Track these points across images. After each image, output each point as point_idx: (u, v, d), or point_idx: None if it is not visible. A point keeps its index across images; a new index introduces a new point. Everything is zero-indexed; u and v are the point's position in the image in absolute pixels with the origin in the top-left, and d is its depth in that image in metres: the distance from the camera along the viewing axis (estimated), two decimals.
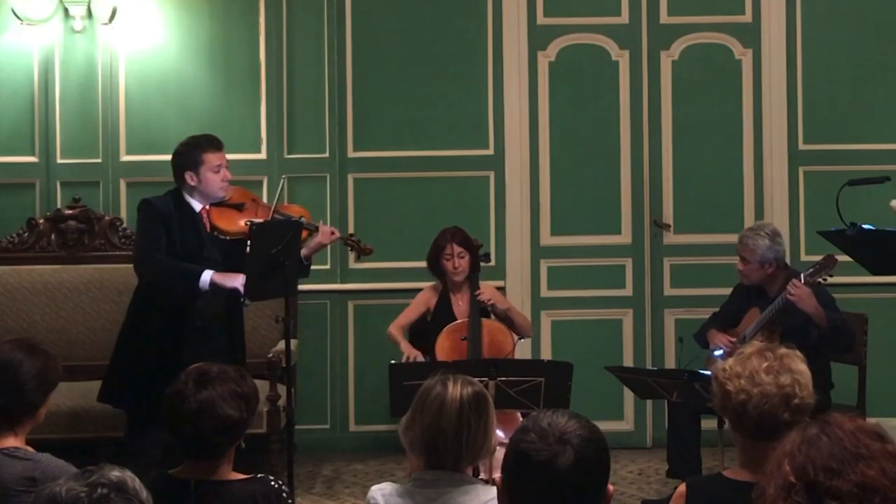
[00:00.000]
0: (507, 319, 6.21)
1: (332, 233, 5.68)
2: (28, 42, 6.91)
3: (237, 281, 5.35)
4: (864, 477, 2.12)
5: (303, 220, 5.61)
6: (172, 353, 5.33)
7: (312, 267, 6.57)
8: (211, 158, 5.53)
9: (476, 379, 3.43)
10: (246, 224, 5.48)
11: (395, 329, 6.22)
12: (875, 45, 7.20)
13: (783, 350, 3.11)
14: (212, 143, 5.60)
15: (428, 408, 3.25)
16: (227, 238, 5.51)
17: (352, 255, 6.61)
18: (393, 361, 5.96)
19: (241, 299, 5.47)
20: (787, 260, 6.25)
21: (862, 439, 2.17)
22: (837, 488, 2.12)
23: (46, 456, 3.51)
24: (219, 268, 5.45)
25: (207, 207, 5.57)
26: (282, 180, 5.99)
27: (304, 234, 5.65)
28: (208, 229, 5.54)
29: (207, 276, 5.37)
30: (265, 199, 6.93)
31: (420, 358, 5.98)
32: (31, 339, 4.12)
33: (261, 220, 5.49)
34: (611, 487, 2.36)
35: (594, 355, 6.71)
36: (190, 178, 5.52)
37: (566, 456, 2.28)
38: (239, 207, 5.58)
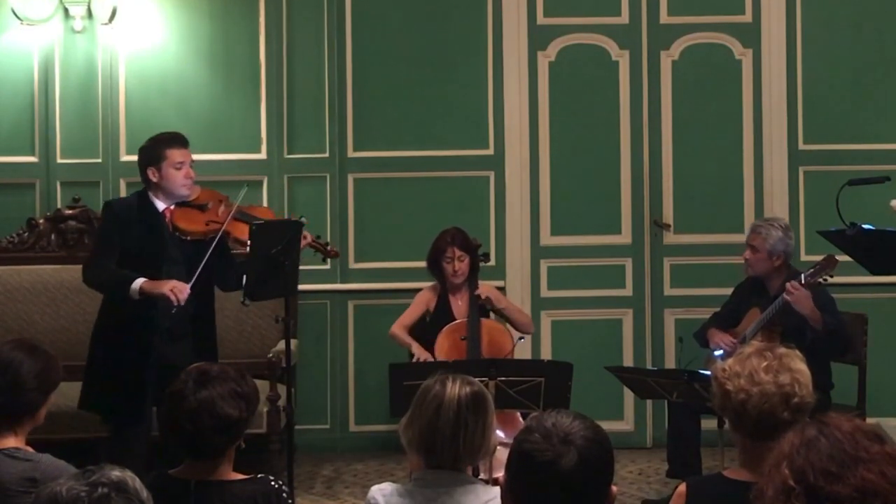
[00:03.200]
0: (505, 317, 6.22)
1: (305, 237, 5.53)
2: (28, 42, 6.91)
3: (166, 287, 5.20)
4: (863, 481, 2.11)
5: (303, 219, 5.58)
6: (140, 354, 5.27)
7: (313, 267, 6.60)
8: (173, 155, 5.41)
9: (476, 379, 3.44)
10: (207, 224, 5.37)
11: (400, 330, 6.19)
12: (875, 45, 7.20)
13: (782, 350, 3.11)
14: (175, 140, 5.50)
15: (426, 407, 3.26)
16: (189, 238, 5.38)
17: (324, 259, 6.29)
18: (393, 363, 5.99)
19: (242, 300, 5.43)
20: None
21: (861, 441, 2.16)
22: (837, 493, 2.11)
23: (47, 456, 3.51)
24: (180, 268, 5.34)
25: (171, 207, 5.44)
26: (244, 188, 5.61)
27: None
28: (171, 230, 5.40)
29: (137, 284, 5.24)
30: (265, 202, 6.95)
31: (430, 360, 5.96)
32: (32, 339, 4.13)
33: (261, 221, 5.46)
34: (614, 488, 2.37)
35: (594, 355, 6.71)
36: (152, 174, 5.41)
37: (570, 457, 2.29)
38: (202, 208, 5.45)
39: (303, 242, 5.52)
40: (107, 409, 5.45)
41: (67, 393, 5.97)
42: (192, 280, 5.25)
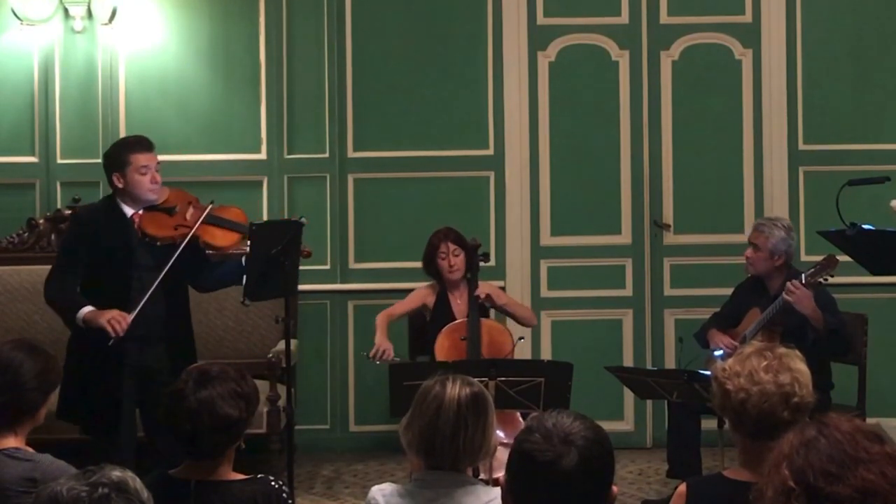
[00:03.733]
0: (507, 313, 6.23)
1: None
2: (28, 42, 6.91)
3: (104, 318, 5.07)
4: (863, 481, 2.11)
5: (303, 220, 5.56)
6: (113, 362, 5.17)
7: (313, 267, 6.60)
8: (138, 159, 5.29)
9: (476, 379, 3.44)
10: (175, 229, 5.27)
11: (383, 317, 6.12)
12: (875, 45, 7.20)
13: (782, 349, 3.11)
14: (140, 144, 5.38)
15: (426, 408, 3.26)
16: (159, 244, 5.26)
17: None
18: (364, 353, 5.99)
19: (242, 300, 5.40)
20: None
21: (861, 442, 2.16)
22: (837, 494, 2.10)
23: (47, 457, 3.51)
24: (152, 274, 5.20)
25: (140, 213, 5.32)
26: (210, 203, 5.37)
27: (240, 236, 5.39)
28: (140, 235, 5.28)
29: (82, 313, 5.14)
30: (265, 202, 6.95)
31: (390, 352, 5.93)
32: (32, 339, 4.13)
33: (261, 221, 5.44)
34: (614, 488, 2.37)
35: (594, 355, 6.71)
36: (117, 179, 5.30)
37: (570, 457, 2.29)
38: (170, 212, 5.33)
39: None
40: (83, 418, 5.35)
41: None
42: (138, 308, 5.12)
